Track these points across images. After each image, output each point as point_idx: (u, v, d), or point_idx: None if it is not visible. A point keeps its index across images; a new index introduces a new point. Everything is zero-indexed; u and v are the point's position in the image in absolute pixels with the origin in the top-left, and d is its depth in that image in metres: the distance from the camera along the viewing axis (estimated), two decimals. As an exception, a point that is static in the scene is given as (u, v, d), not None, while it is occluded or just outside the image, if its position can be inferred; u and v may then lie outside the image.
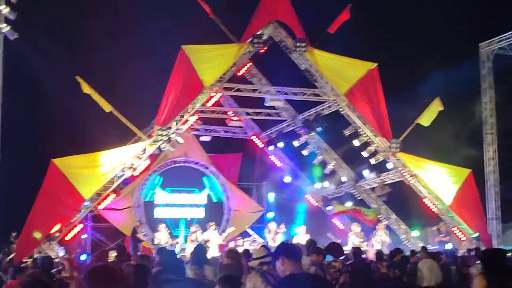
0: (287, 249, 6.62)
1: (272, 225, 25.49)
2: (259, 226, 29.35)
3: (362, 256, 16.46)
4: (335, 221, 29.97)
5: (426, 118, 25.65)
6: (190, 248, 21.76)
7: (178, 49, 23.65)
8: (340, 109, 26.38)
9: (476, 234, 24.90)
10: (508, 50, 27.46)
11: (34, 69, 24.49)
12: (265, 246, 9.85)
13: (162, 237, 24.25)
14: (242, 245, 24.68)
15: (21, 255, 21.50)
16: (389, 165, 26.47)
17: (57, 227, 22.25)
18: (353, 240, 24.61)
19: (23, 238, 21.97)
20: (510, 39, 26.64)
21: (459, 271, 14.88)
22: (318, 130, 28.00)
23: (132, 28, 26.24)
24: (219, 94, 25.24)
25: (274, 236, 24.82)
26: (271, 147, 30.52)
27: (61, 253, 21.95)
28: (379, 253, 16.86)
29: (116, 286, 5.42)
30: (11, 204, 23.42)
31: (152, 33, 25.76)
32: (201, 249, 12.54)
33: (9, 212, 23.19)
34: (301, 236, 24.06)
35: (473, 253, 18.28)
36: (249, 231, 28.57)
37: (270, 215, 29.41)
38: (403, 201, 27.71)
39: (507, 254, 12.16)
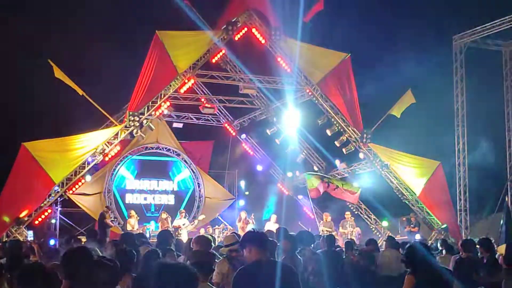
0: (253, 238, 6.75)
1: (243, 214, 25.53)
2: (230, 214, 29.39)
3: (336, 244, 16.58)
4: (306, 210, 30.14)
5: (398, 110, 25.81)
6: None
7: (152, 34, 23.53)
8: (313, 99, 26.44)
9: (445, 225, 25.14)
10: (481, 44, 27.68)
11: (3, 51, 24.18)
12: (235, 233, 9.91)
13: (134, 223, 24.18)
14: (213, 233, 24.70)
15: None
16: (361, 155, 26.61)
17: (26, 211, 22.07)
18: (322, 229, 24.75)
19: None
20: (482, 33, 26.83)
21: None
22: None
23: (105, 12, 25.97)
24: (192, 81, 25.15)
25: (244, 226, 24.84)
26: (243, 135, 30.55)
27: (31, 237, 21.80)
28: (348, 242, 16.98)
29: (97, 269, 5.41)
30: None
31: (126, 18, 25.57)
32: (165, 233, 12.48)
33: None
34: (271, 225, 24.12)
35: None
36: (220, 218, 28.57)
37: (241, 203, 29.42)
38: (373, 191, 27.84)
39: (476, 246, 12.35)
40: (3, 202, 21.77)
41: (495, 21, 26.01)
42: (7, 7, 24.68)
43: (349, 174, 27.81)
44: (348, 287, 11.18)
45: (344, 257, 13.03)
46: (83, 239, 17.90)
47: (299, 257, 9.82)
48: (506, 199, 25.63)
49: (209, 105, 28.41)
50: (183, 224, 24.46)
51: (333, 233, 23.98)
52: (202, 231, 24.77)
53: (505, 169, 28.09)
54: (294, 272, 6.73)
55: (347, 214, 25.85)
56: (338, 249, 13.96)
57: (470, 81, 27.70)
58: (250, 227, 24.66)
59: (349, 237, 23.55)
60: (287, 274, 6.43)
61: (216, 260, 8.39)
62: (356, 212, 27.34)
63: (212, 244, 10.14)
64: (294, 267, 7.22)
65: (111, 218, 23.93)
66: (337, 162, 28.40)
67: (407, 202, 25.96)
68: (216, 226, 26.27)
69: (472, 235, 25.45)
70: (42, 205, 22.66)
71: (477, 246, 12.25)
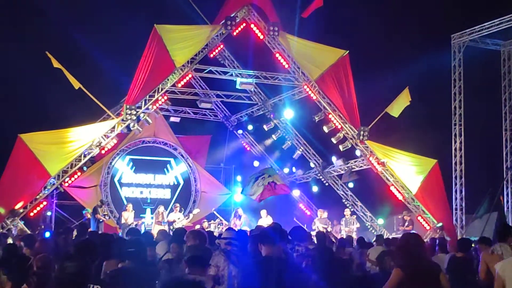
0: (263, 237, 7.40)
1: (240, 210, 25.58)
2: (226, 208, 29.43)
3: (333, 240, 16.66)
4: (302, 206, 30.22)
5: (396, 108, 25.76)
6: (156, 228, 21.76)
7: (150, 28, 23.51)
8: (310, 95, 26.43)
9: (440, 224, 25.15)
10: (479, 43, 27.67)
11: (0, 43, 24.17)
12: (232, 228, 10.06)
13: (129, 216, 24.20)
14: (208, 227, 24.72)
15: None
16: (357, 152, 26.60)
17: (21, 202, 22.06)
18: (317, 225, 24.81)
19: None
20: (481, 32, 26.81)
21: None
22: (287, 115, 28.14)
23: (103, 4, 25.92)
24: (190, 75, 25.17)
25: (239, 222, 24.89)
26: (240, 131, 30.56)
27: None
28: (343, 239, 17.04)
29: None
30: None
31: (124, 11, 25.52)
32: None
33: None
34: (263, 220, 24.17)
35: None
36: (216, 213, 28.57)
37: (238, 198, 29.38)
38: (369, 188, 27.88)
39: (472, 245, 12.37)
40: (-1, 193, 21.78)
41: (494, 20, 25.98)
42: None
43: (345, 171, 27.79)
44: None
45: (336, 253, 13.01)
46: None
47: (292, 253, 9.84)
48: (501, 198, 25.73)
49: (206, 100, 28.39)
50: (178, 218, 24.49)
51: (329, 230, 24.18)
52: (198, 226, 24.81)
53: (501, 168, 28.09)
54: (295, 264, 7.09)
55: (347, 211, 25.90)
56: (332, 245, 13.98)
57: (468, 80, 27.68)
58: (243, 223, 24.79)
59: (346, 234, 23.66)
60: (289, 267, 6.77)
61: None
62: (352, 210, 27.34)
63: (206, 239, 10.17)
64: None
65: (104, 212, 23.93)
66: (333, 159, 28.42)
67: (402, 200, 25.94)
68: (212, 221, 26.26)
69: (467, 234, 25.47)
70: (37, 197, 22.66)
71: (473, 245, 12.29)
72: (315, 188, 29.40)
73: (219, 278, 8.35)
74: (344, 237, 20.41)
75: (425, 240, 22.52)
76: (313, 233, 19.53)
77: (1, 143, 23.50)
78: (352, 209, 27.43)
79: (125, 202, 26.22)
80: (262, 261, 7.01)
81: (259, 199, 22.63)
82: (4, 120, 24.52)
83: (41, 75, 23.55)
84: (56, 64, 22.28)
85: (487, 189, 25.53)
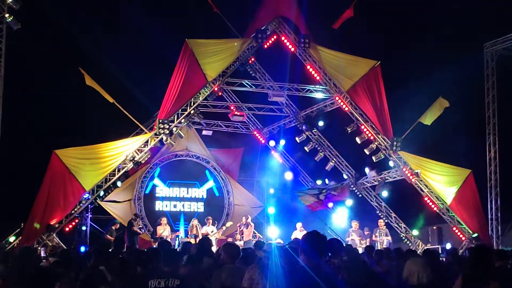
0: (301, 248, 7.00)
1: (249, 219, 25.68)
2: (258, 221, 29.38)
3: (360, 253, 16.47)
4: (335, 217, 30.06)
5: (429, 117, 25.65)
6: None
7: (182, 43, 23.68)
8: (342, 106, 26.38)
9: (476, 235, 24.87)
10: (512, 51, 27.42)
11: (36, 59, 24.48)
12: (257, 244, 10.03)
13: (163, 230, 24.28)
14: (241, 240, 24.73)
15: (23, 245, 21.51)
16: (390, 163, 26.45)
17: (57, 218, 22.25)
18: (352, 237, 24.69)
19: (27, 229, 21.98)
20: (514, 40, 26.59)
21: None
22: (320, 126, 28.02)
23: (136, 20, 26.19)
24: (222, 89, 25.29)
25: (246, 230, 25.03)
26: (273, 143, 30.54)
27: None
28: (379, 250, 16.87)
29: None
30: (17, 195, 23.49)
31: (155, 26, 25.74)
32: (206, 240, 12.61)
33: (13, 203, 23.25)
34: (298, 233, 24.10)
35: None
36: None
37: (271, 210, 29.32)
38: (403, 199, 27.66)
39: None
40: (35, 209, 21.95)
41: (527, 28, 25.78)
42: (40, 15, 25.00)
43: (379, 182, 27.63)
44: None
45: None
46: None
47: (328, 265, 9.79)
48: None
49: (238, 113, 28.44)
50: (212, 232, 24.52)
51: (362, 241, 24.07)
52: (230, 239, 24.81)
53: (537, 177, 27.73)
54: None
55: (380, 222, 25.71)
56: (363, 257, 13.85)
57: (502, 89, 27.40)
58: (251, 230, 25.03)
59: (379, 246, 23.50)
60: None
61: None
62: (386, 221, 27.14)
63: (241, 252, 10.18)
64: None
65: (139, 225, 24.04)
66: (367, 170, 28.27)
67: (437, 211, 25.72)
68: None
69: (503, 244, 25.18)
70: (72, 212, 22.83)
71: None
72: (348, 200, 29.25)
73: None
74: (379, 248, 20.26)
75: (460, 251, 22.36)
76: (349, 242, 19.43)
77: (37, 159, 23.75)
78: (386, 220, 27.22)
79: (159, 216, 26.29)
80: (297, 273, 6.92)
81: (313, 209, 22.72)
82: (40, 136, 24.86)
83: (75, 90, 23.80)
84: (88, 81, 22.54)
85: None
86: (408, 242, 27.14)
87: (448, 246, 24.00)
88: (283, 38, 26.23)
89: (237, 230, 25.43)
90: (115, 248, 14.52)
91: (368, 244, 23.58)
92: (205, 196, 29.34)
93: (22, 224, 22.97)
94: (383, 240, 24.69)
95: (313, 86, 27.00)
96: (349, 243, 22.91)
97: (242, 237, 24.99)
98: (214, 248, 20.92)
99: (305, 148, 29.54)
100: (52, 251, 13.95)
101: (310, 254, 6.79)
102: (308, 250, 6.79)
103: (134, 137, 24.45)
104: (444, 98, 25.83)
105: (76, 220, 23.52)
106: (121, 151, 23.29)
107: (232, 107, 28.99)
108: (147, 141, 23.66)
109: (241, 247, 14.08)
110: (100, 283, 8.51)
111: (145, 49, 26.06)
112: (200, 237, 23.49)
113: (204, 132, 29.53)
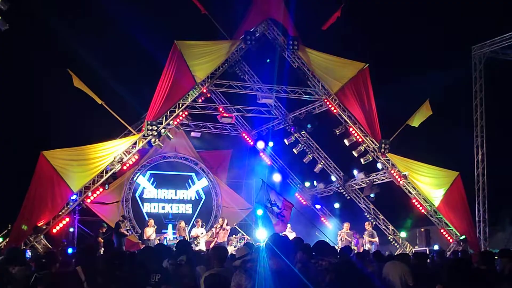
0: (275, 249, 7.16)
1: (221, 220, 25.62)
2: (247, 223, 29.35)
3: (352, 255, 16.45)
4: (324, 220, 30.11)
5: (416, 119, 25.75)
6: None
7: (170, 44, 23.62)
8: (331, 108, 26.41)
9: (463, 237, 24.94)
10: (500, 54, 27.49)
11: (24, 60, 24.34)
12: (247, 245, 9.91)
13: (151, 232, 24.20)
14: (230, 242, 24.71)
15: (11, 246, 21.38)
16: (379, 166, 26.50)
17: (44, 219, 22.13)
18: (344, 237, 24.74)
19: (15, 230, 21.83)
20: (502, 43, 26.66)
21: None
22: (308, 128, 28.01)
23: (124, 21, 26.11)
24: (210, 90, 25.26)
25: (222, 232, 24.98)
26: (261, 144, 30.52)
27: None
28: (364, 253, 16.89)
29: None
30: (4, 196, 23.34)
31: (144, 28, 25.66)
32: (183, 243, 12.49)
33: (1, 204, 23.09)
34: (287, 234, 24.07)
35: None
36: (237, 228, 28.51)
37: (259, 212, 29.26)
38: (391, 201, 27.71)
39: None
40: (23, 210, 21.80)
41: (515, 31, 25.88)
42: (28, 16, 24.87)
43: (367, 184, 27.68)
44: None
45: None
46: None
47: (315, 267, 9.75)
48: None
49: (227, 115, 28.42)
50: (201, 234, 24.47)
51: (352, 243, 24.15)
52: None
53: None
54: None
55: (367, 224, 25.70)
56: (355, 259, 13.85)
57: (489, 92, 27.49)
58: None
59: (367, 248, 23.53)
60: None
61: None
62: (374, 223, 27.19)
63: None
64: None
65: (127, 227, 23.96)
66: (355, 172, 28.34)
67: (425, 213, 25.77)
68: (234, 236, 26.20)
69: (491, 246, 25.25)
70: (60, 213, 22.69)
71: (496, 257, 12.10)
72: (336, 202, 29.30)
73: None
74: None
75: (447, 253, 22.42)
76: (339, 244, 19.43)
77: (24, 160, 23.62)
78: (374, 222, 27.27)
79: (147, 218, 26.23)
80: (275, 274, 6.85)
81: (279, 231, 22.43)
82: (27, 137, 24.72)
83: (62, 92, 23.67)
84: (76, 83, 22.44)
85: (511, 201, 25.31)
86: (396, 244, 27.20)
87: (436, 248, 24.06)
88: (272, 40, 26.27)
89: (214, 231, 25.33)
90: (105, 249, 14.46)
91: (356, 246, 23.69)
92: (193, 198, 29.31)
93: (10, 225, 22.85)
94: (370, 241, 24.72)
95: (301, 88, 27.01)
96: (339, 245, 23.01)
97: (217, 238, 24.86)
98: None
99: (294, 150, 29.55)
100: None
101: (277, 257, 6.78)
102: (275, 253, 6.81)
103: (122, 138, 24.36)
104: (429, 103, 25.91)
105: (64, 221, 23.32)
106: (109, 152, 23.18)
107: (220, 109, 28.96)
108: (135, 143, 23.55)
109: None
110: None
111: (133, 50, 25.92)
112: (188, 238, 23.49)
113: (192, 134, 29.49)
